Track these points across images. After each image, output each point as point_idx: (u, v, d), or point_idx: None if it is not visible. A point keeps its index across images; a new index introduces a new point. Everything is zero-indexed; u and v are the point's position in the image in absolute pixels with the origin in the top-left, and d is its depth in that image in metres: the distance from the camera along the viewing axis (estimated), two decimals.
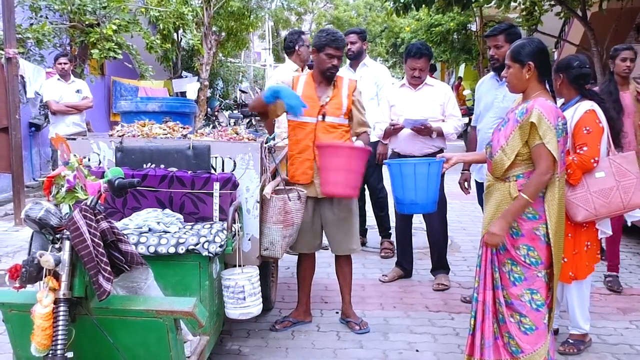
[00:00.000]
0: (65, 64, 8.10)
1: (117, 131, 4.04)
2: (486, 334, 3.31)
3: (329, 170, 3.86)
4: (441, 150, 5.14)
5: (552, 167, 3.10)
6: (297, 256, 4.70)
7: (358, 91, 4.30)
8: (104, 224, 2.68)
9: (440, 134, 5.01)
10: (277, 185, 4.01)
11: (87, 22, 9.40)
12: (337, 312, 4.53)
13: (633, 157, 3.91)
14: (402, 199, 3.98)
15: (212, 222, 3.56)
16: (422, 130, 4.92)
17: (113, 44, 9.40)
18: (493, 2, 10.95)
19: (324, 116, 4.12)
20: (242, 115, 19.70)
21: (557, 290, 3.40)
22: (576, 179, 3.75)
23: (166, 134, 3.99)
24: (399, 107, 5.12)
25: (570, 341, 3.97)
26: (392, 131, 5.06)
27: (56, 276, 2.58)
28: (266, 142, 4.00)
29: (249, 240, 3.82)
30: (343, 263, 4.37)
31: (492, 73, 4.72)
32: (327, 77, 4.17)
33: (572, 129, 3.78)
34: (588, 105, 3.83)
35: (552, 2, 10.75)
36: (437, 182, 3.92)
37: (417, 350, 3.99)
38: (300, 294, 4.45)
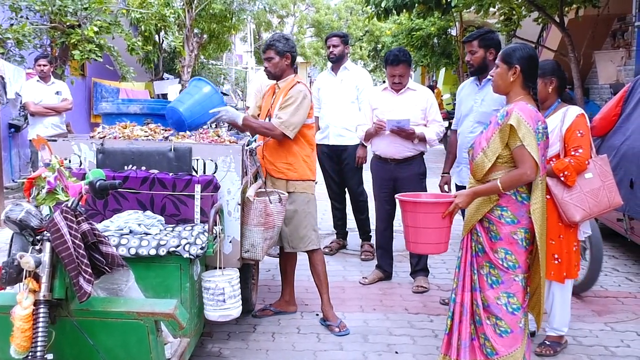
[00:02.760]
0: (44, 65, 8.05)
1: (99, 133, 4.04)
2: (463, 334, 3.35)
3: (417, 229, 3.55)
4: (422, 154, 5.19)
5: (535, 169, 3.15)
6: (277, 258, 4.74)
7: (285, 96, 4.25)
8: (85, 226, 2.69)
9: (422, 139, 5.06)
10: (259, 188, 4.03)
11: (68, 23, 9.32)
12: (317, 314, 4.55)
13: (607, 160, 4.03)
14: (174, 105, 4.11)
15: (193, 224, 3.57)
16: (402, 133, 4.97)
17: (94, 45, 9.33)
18: (472, 7, 11.06)
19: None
20: None
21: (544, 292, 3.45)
22: (573, 181, 3.84)
23: (147, 136, 3.99)
24: (380, 111, 5.16)
25: (547, 342, 4.03)
26: (374, 131, 5.09)
27: (36, 278, 2.57)
28: (248, 145, 4.03)
29: (230, 242, 3.84)
30: (313, 262, 4.43)
31: (472, 78, 4.76)
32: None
33: (563, 133, 3.87)
34: (577, 109, 3.93)
35: (531, 8, 10.88)
36: (207, 104, 4.10)
37: (396, 352, 4.02)
38: (283, 285, 4.61)
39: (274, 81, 4.39)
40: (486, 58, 4.47)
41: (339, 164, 6.10)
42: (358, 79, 6.02)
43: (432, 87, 21.20)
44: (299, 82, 4.28)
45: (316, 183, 4.70)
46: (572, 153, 3.86)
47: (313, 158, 4.44)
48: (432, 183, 5.43)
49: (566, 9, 10.00)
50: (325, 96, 6.10)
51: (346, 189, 6.26)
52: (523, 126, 3.13)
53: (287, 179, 4.28)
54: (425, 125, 5.12)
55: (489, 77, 4.39)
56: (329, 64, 6.27)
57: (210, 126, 4.46)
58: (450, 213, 3.43)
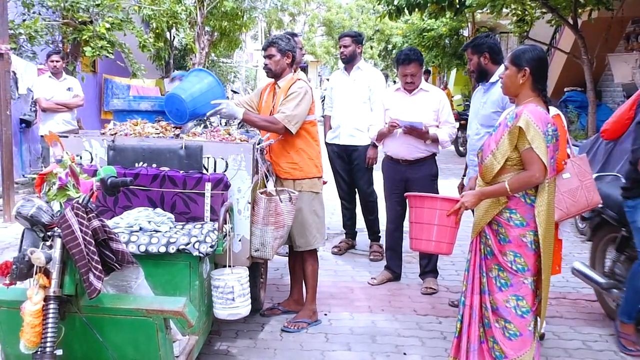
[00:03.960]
0: (57, 61, 8.07)
1: (110, 129, 4.05)
2: (472, 338, 3.33)
3: (421, 225, 3.53)
4: (433, 155, 5.17)
5: (543, 172, 3.12)
6: (286, 257, 4.74)
7: (287, 93, 4.24)
8: (96, 222, 2.69)
9: (435, 140, 5.04)
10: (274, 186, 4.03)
11: (80, 20, 9.36)
12: (325, 314, 4.55)
13: (586, 159, 4.03)
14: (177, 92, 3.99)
15: (203, 222, 3.57)
16: (414, 132, 4.95)
17: (105, 42, 9.36)
18: (485, 8, 11.03)
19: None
20: None
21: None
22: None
23: (158, 133, 3.99)
24: (393, 111, 5.13)
25: None
26: (387, 131, 5.07)
27: (47, 273, 2.59)
28: (258, 143, 4.02)
29: (240, 241, 3.83)
30: (306, 261, 4.43)
31: (482, 82, 4.77)
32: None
33: None
34: (554, 110, 3.91)
35: (544, 10, 10.83)
36: (209, 95, 4.01)
37: (404, 354, 4.01)
38: (291, 284, 4.63)
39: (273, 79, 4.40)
40: (481, 63, 4.52)
41: (350, 164, 6.09)
42: (371, 79, 5.99)
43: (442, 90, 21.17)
44: (299, 79, 4.29)
45: (325, 183, 4.70)
46: None
47: (319, 155, 4.44)
48: (444, 185, 5.40)
49: (580, 10, 9.96)
50: (338, 96, 6.09)
51: (356, 189, 6.24)
52: (532, 128, 3.11)
53: (294, 178, 4.28)
54: (438, 127, 5.10)
55: (491, 80, 4.41)
56: (342, 63, 6.25)
57: (221, 123, 4.46)
58: (456, 212, 3.42)
